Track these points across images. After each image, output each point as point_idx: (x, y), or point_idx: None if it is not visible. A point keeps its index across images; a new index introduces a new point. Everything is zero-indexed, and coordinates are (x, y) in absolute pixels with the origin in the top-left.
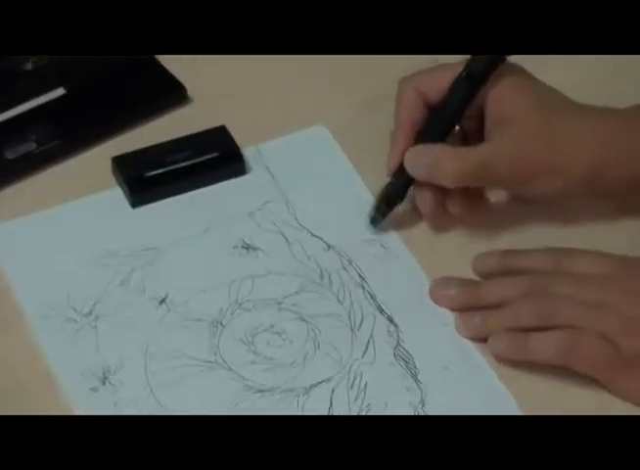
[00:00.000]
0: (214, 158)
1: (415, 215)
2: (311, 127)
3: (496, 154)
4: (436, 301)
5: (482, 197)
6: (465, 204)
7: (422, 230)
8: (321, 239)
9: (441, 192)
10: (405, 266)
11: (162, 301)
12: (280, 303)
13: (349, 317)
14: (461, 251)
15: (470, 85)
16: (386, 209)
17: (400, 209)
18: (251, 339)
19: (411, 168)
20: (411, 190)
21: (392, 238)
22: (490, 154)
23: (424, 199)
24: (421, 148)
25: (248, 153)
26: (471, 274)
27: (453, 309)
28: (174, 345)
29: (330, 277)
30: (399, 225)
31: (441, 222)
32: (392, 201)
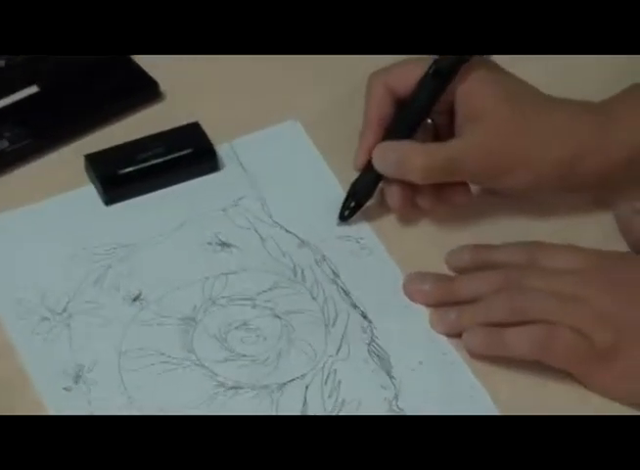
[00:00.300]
0: (188, 154)
1: (389, 211)
2: (284, 122)
3: (465, 149)
4: (411, 296)
5: (454, 190)
6: (434, 198)
7: (396, 225)
8: (295, 235)
9: (410, 187)
10: (379, 262)
11: (136, 298)
12: (254, 299)
13: (323, 313)
14: (435, 245)
15: (438, 81)
16: (355, 205)
17: (375, 204)
18: (224, 336)
19: (379, 165)
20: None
21: (367, 233)
22: (459, 149)
23: (392, 194)
24: (388, 144)
25: (221, 149)
26: (445, 269)
27: (428, 305)
28: (148, 342)
29: (303, 273)
30: (373, 220)
31: (411, 216)
32: (361, 197)
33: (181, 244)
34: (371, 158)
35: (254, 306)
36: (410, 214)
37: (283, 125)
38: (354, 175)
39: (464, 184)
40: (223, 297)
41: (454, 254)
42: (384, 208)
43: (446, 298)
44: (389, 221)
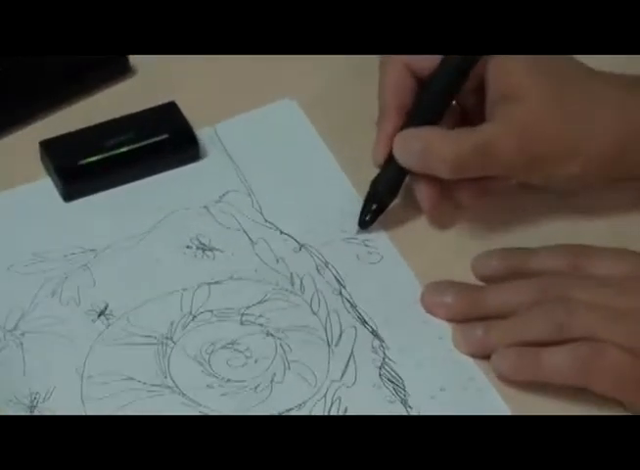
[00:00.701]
0: (163, 140)
1: (406, 208)
2: (278, 101)
3: (499, 135)
4: (430, 310)
5: (495, 182)
6: (473, 191)
7: (413, 225)
8: (291, 237)
9: (443, 181)
10: (393, 269)
11: (101, 313)
12: (242, 314)
13: (326, 331)
14: (459, 250)
15: (464, 56)
16: (377, 208)
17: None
18: (207, 358)
19: (401, 157)
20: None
21: (377, 235)
22: (492, 135)
23: (422, 192)
24: (411, 132)
25: (203, 134)
26: (471, 278)
27: (450, 320)
28: (116, 366)
29: (302, 283)
30: (386, 220)
31: (446, 218)
32: (384, 198)
33: (155, 248)
34: (392, 150)
35: (243, 322)
36: (444, 215)
37: (276, 105)
38: (362, 165)
39: None
40: (206, 311)
41: (482, 259)
42: (400, 205)
43: (472, 312)
44: (407, 221)
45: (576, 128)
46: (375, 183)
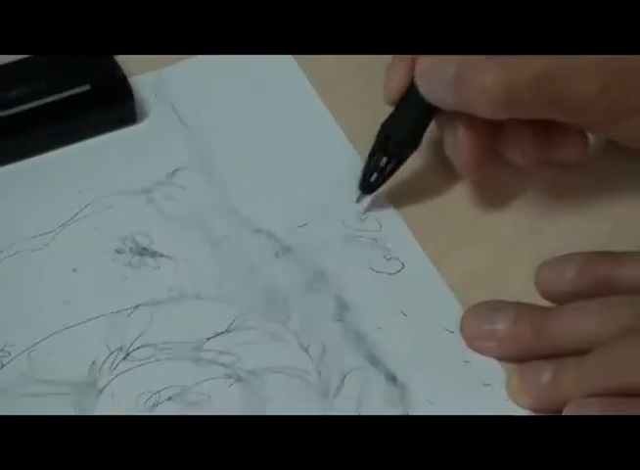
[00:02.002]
0: (84, 93)
1: (437, 190)
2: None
3: (573, 62)
4: (474, 344)
5: (563, 136)
6: (533, 148)
7: (452, 217)
8: (272, 235)
9: (486, 128)
10: (419, 282)
11: None
12: (198, 348)
13: (320, 374)
14: (516, 252)
15: None
16: (388, 164)
17: (415, 180)
18: (147, 412)
19: (427, 87)
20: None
21: (397, 231)
22: (563, 61)
23: (459, 141)
24: (442, 56)
25: (142, 83)
26: (533, 294)
27: (504, 358)
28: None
29: (287, 303)
30: (409, 209)
31: (488, 179)
32: (400, 147)
33: (71, 253)
34: (413, 81)
35: (200, 362)
36: (486, 178)
37: (260, 57)
38: (373, 130)
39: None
40: (145, 345)
41: (551, 270)
42: (428, 184)
43: (536, 345)
44: (439, 210)
45: None
46: (386, 126)
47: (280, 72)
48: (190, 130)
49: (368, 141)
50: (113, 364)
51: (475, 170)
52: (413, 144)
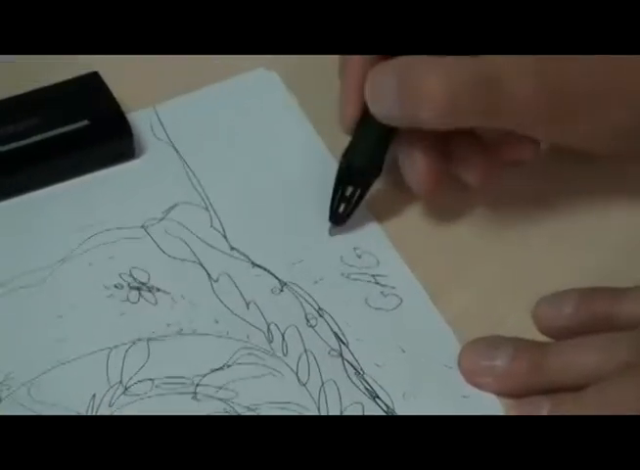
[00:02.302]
0: (81, 129)
1: (435, 226)
2: (251, 72)
3: (512, 64)
4: (472, 379)
5: (510, 142)
6: (484, 160)
7: (447, 252)
8: (268, 271)
9: (440, 143)
10: (417, 318)
11: None
12: (197, 384)
13: (319, 409)
14: (512, 285)
15: None
16: (353, 191)
17: (409, 210)
18: None
19: (372, 101)
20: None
21: (394, 267)
22: (503, 64)
23: (413, 161)
24: (385, 65)
25: (139, 119)
26: (531, 330)
27: (502, 394)
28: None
29: (284, 339)
30: (406, 245)
31: (441, 199)
32: (362, 175)
33: (68, 288)
34: (366, 107)
35: (197, 397)
36: (440, 196)
37: (248, 76)
38: None
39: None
40: (143, 380)
41: (548, 304)
42: (425, 215)
43: (534, 381)
44: (435, 249)
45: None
46: (346, 157)
47: (270, 97)
48: (187, 166)
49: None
50: (112, 399)
51: (431, 192)
52: (375, 170)
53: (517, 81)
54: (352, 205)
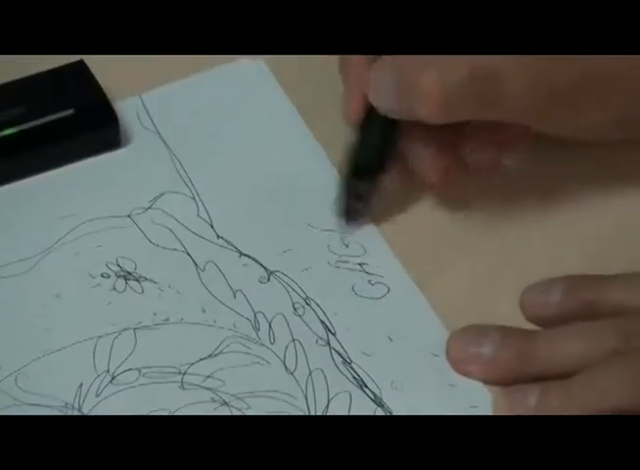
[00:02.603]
0: (67, 118)
1: (422, 214)
2: (237, 62)
3: (506, 60)
4: (460, 367)
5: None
6: (487, 148)
7: (433, 240)
8: (255, 260)
9: (450, 134)
10: (404, 307)
11: None
12: (184, 373)
13: (306, 398)
14: (499, 275)
15: None
16: (362, 189)
17: (397, 199)
18: None
19: (374, 96)
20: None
21: (381, 255)
22: (497, 59)
23: (417, 153)
24: (387, 61)
25: (125, 107)
26: (518, 318)
27: (489, 382)
28: None
29: (271, 328)
30: (394, 233)
31: (459, 195)
32: (370, 171)
33: (54, 277)
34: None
35: (184, 386)
36: (455, 192)
37: (234, 67)
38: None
39: None
40: (130, 369)
41: (535, 292)
42: (413, 212)
43: (522, 369)
44: (423, 237)
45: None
46: (354, 150)
47: (258, 86)
48: (173, 154)
49: None
50: (99, 388)
51: (444, 183)
52: (382, 167)
53: (514, 76)
54: (363, 202)
